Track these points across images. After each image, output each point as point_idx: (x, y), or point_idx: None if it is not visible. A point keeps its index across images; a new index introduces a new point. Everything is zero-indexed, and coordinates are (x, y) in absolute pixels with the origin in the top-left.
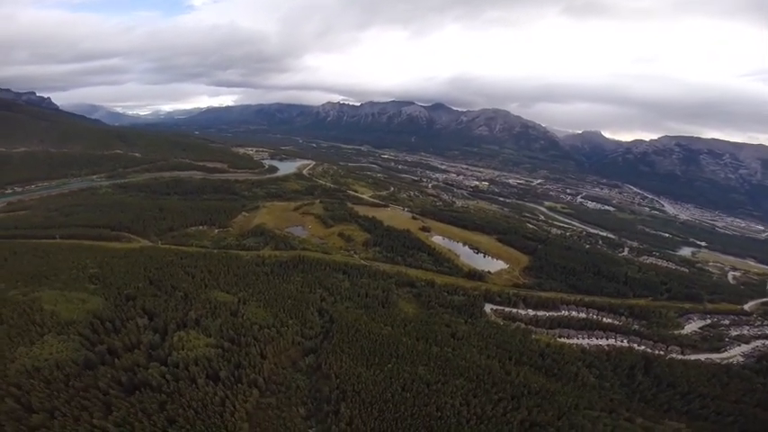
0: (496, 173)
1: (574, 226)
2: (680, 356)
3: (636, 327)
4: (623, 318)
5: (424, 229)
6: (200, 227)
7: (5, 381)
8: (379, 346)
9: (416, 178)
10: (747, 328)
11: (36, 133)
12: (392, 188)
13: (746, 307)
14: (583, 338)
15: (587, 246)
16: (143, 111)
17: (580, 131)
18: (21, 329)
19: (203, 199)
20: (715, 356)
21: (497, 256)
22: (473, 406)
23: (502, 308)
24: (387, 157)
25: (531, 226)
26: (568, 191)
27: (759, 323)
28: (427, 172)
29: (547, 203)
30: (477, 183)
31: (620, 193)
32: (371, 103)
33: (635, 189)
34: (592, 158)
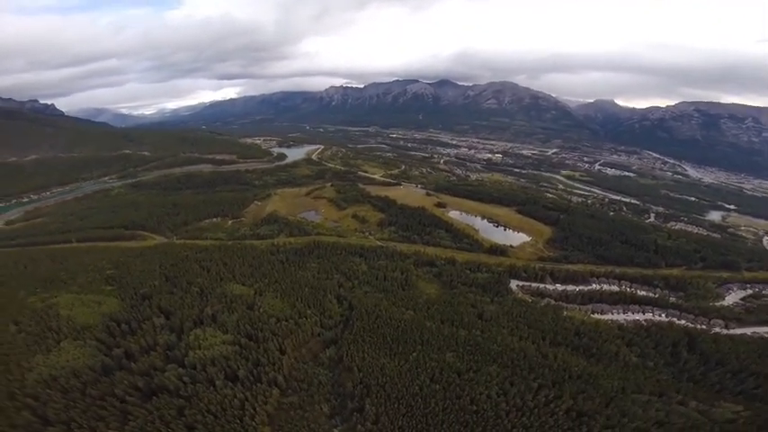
0: (509, 145)
1: (594, 193)
2: (725, 331)
3: (673, 299)
4: (658, 290)
5: (440, 204)
6: (214, 219)
7: (23, 392)
8: (402, 333)
9: (427, 155)
10: None
11: (44, 140)
12: (403, 166)
13: None
14: (618, 314)
15: (611, 213)
16: (148, 110)
17: (592, 100)
18: (38, 337)
19: (215, 191)
20: (763, 330)
21: (518, 229)
22: (511, 396)
23: (528, 284)
24: (395, 137)
25: (550, 195)
26: (585, 159)
27: None
28: (438, 148)
29: (564, 172)
30: (491, 155)
31: (639, 159)
32: (375, 84)
33: (654, 154)
34: (606, 126)
